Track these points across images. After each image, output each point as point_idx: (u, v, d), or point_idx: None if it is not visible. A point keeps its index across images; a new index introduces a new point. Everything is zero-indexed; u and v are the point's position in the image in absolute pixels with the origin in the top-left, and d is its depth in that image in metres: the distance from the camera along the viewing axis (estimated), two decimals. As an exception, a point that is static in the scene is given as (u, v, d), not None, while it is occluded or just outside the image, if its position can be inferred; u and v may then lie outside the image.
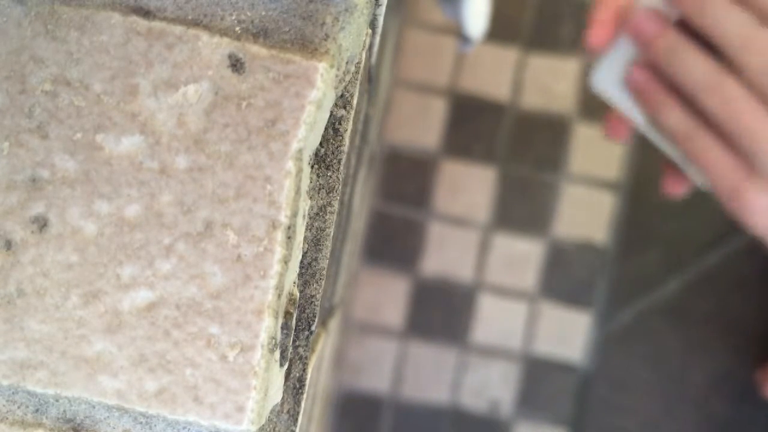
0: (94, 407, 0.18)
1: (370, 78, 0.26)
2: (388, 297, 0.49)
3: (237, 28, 0.18)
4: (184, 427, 0.18)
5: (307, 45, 0.18)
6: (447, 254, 0.49)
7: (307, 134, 0.18)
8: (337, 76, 0.18)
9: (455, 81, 0.50)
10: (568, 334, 0.49)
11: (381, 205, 0.50)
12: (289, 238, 0.17)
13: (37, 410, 0.18)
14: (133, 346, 0.17)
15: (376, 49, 0.24)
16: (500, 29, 0.49)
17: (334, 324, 0.32)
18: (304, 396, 0.21)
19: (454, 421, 0.49)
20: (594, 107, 0.49)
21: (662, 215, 0.48)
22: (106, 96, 0.17)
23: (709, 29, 0.30)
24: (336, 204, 0.20)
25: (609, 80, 0.34)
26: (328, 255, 0.20)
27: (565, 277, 0.49)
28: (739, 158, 0.30)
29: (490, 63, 0.50)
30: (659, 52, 0.32)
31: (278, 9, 0.18)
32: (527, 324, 0.49)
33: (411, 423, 0.50)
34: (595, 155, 0.49)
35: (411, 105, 0.50)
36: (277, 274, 0.17)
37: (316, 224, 0.20)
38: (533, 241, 0.49)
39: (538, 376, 0.49)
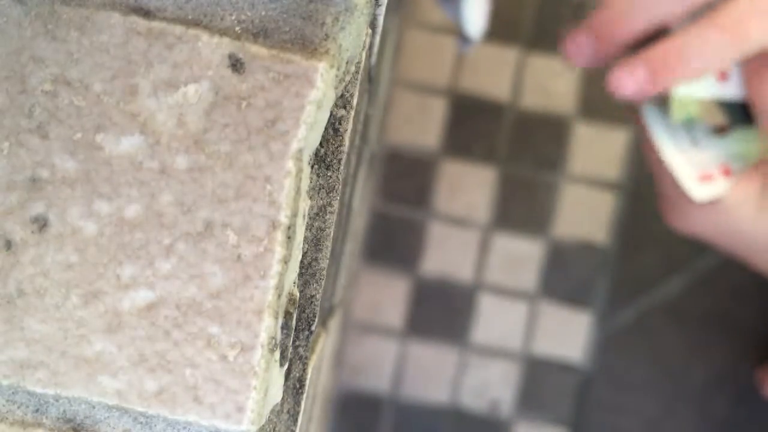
0: (94, 407, 0.18)
1: (370, 78, 0.26)
2: (388, 297, 0.49)
3: (237, 28, 0.18)
4: (184, 427, 0.18)
5: (307, 45, 0.18)
6: (447, 254, 0.49)
7: (307, 134, 0.18)
8: (337, 76, 0.18)
9: (455, 81, 0.50)
10: (568, 334, 0.49)
11: (381, 205, 0.50)
12: (289, 238, 0.17)
13: (37, 410, 0.18)
14: (133, 346, 0.17)
15: (376, 49, 0.24)
16: (500, 29, 0.49)
17: (334, 324, 0.32)
18: (304, 396, 0.21)
19: (454, 421, 0.49)
20: (594, 107, 0.49)
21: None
22: (106, 96, 0.17)
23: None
24: (336, 204, 0.20)
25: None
26: (328, 255, 0.20)
27: (565, 277, 0.49)
28: None
29: (490, 63, 0.50)
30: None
31: (278, 9, 0.18)
32: (527, 324, 0.49)
33: (411, 423, 0.50)
34: (595, 155, 0.49)
35: (411, 105, 0.50)
36: (277, 274, 0.17)
37: (316, 224, 0.20)
38: (533, 241, 0.49)
39: (538, 376, 0.49)
